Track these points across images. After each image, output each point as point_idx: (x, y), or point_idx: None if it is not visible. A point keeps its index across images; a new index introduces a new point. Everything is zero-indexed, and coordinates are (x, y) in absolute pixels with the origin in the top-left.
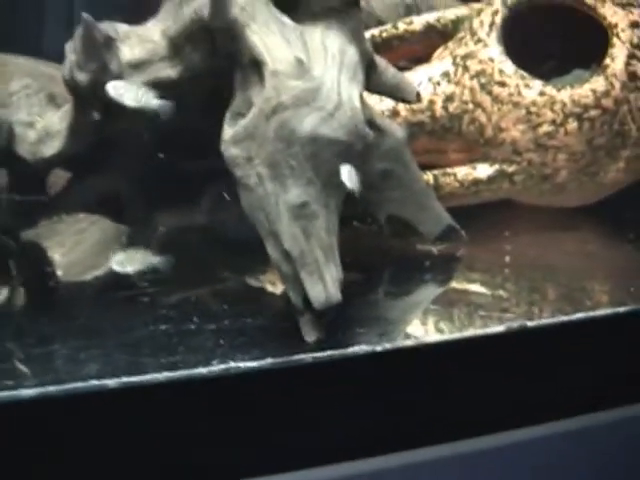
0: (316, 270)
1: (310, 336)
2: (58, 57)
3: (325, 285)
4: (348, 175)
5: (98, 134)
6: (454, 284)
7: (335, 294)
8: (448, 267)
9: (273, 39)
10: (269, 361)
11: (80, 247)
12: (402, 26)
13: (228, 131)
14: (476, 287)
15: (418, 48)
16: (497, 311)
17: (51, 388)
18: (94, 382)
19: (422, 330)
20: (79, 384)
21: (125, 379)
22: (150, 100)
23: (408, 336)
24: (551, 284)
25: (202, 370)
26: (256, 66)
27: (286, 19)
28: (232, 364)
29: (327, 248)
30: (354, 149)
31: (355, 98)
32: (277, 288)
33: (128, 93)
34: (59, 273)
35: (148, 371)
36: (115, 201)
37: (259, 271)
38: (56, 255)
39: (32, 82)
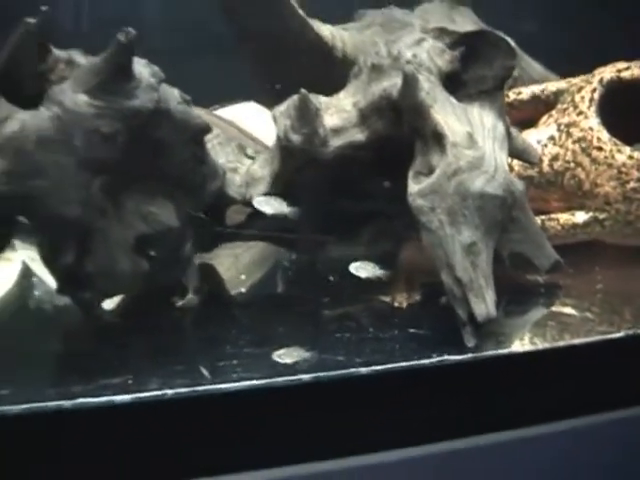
0: (480, 293)
1: (470, 342)
2: None
3: (486, 304)
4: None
5: (292, 180)
6: (555, 307)
7: (493, 311)
8: (552, 293)
9: (450, 117)
10: (470, 355)
11: (235, 266)
12: (512, 95)
13: (414, 186)
14: (570, 310)
15: (525, 114)
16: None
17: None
18: (352, 370)
19: (539, 338)
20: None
21: (375, 367)
22: (284, 209)
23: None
24: (629, 308)
25: (424, 361)
26: (437, 138)
27: (453, 100)
28: (446, 357)
29: (487, 276)
30: (507, 202)
31: (505, 163)
32: (411, 306)
33: (267, 205)
34: (227, 289)
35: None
36: (288, 231)
37: (398, 292)
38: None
39: (219, 132)
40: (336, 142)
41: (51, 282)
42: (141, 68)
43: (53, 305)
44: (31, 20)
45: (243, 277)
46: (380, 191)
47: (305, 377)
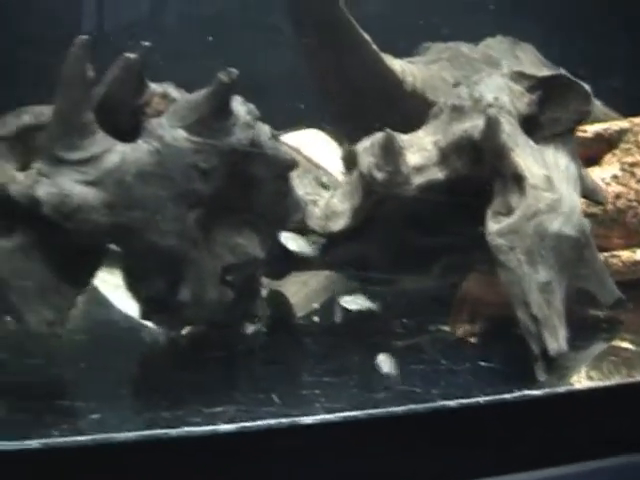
0: (554, 331)
1: (542, 376)
2: None
3: (559, 341)
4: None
5: (371, 215)
6: (616, 342)
7: (565, 347)
8: (613, 329)
9: (529, 159)
10: (547, 390)
11: (300, 293)
12: (578, 133)
13: (493, 226)
14: (630, 345)
15: (588, 152)
16: None
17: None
18: (441, 403)
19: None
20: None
21: (462, 400)
22: (306, 248)
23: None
24: None
25: (506, 396)
26: (517, 180)
27: (532, 142)
28: (526, 392)
29: (560, 314)
30: (580, 242)
31: (578, 204)
32: (477, 339)
33: (292, 241)
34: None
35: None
36: (362, 263)
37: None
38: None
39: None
40: (417, 180)
41: (118, 304)
42: (238, 106)
43: (121, 327)
44: (131, 55)
45: (315, 305)
46: (454, 228)
47: (396, 410)
